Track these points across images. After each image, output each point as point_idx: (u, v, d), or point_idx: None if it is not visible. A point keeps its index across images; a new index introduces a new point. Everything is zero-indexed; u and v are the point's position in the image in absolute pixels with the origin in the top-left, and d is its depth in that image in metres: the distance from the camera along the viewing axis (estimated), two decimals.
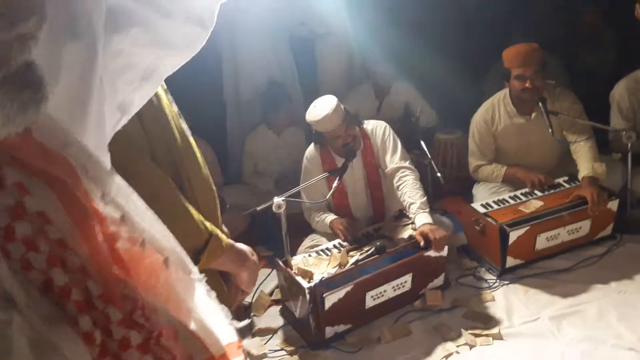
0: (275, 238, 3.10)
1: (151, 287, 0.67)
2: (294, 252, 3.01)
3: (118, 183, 0.68)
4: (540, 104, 3.22)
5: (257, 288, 3.01)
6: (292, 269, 2.75)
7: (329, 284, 2.63)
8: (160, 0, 0.76)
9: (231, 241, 1.49)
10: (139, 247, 0.67)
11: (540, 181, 3.26)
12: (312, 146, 3.18)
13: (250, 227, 3.63)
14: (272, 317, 2.94)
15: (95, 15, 0.68)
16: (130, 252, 0.66)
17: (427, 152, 3.58)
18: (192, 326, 0.73)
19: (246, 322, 2.83)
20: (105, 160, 0.74)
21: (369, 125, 3.13)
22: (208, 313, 0.77)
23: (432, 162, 3.51)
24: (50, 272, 0.57)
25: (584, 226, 3.09)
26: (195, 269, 0.78)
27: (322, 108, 2.93)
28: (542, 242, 3.04)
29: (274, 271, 3.00)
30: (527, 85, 3.19)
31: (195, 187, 1.44)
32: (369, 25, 4.24)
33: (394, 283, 2.78)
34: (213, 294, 0.80)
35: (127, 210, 0.67)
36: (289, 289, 2.78)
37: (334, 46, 4.53)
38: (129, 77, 0.78)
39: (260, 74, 4.20)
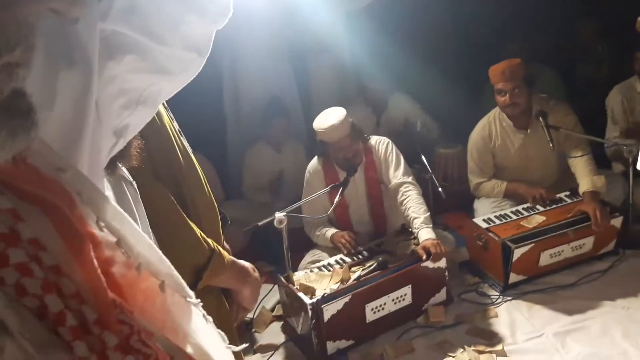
0: (277, 253, 3.08)
1: (147, 312, 0.67)
2: (295, 268, 2.99)
3: (114, 207, 0.67)
4: (540, 118, 3.22)
5: (259, 304, 2.99)
6: (293, 285, 2.74)
7: (330, 299, 2.61)
8: (155, 27, 0.75)
9: (233, 258, 1.48)
10: (135, 272, 0.66)
11: (542, 196, 3.26)
12: (315, 160, 3.18)
13: (251, 243, 3.61)
14: (273, 334, 2.92)
15: (90, 44, 0.69)
16: (125, 277, 0.65)
17: (428, 166, 3.57)
18: (189, 350, 0.72)
19: (244, 345, 2.80)
20: (100, 185, 0.74)
21: (372, 140, 3.15)
22: (205, 337, 0.76)
23: (433, 176, 3.50)
24: (45, 299, 0.56)
25: (588, 242, 3.08)
26: (192, 293, 0.78)
27: (330, 117, 2.95)
28: (546, 258, 3.02)
29: (276, 287, 2.98)
30: (506, 100, 3.22)
31: (198, 204, 1.44)
32: (365, 40, 4.27)
33: (394, 295, 2.76)
34: (210, 318, 0.80)
35: (123, 234, 0.67)
36: (291, 305, 2.76)
37: (327, 62, 4.56)
38: (124, 102, 0.78)
39: (259, 89, 4.23)
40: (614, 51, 4.28)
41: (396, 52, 4.10)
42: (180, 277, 0.75)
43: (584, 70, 4.40)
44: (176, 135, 1.40)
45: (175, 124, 1.41)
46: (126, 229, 0.67)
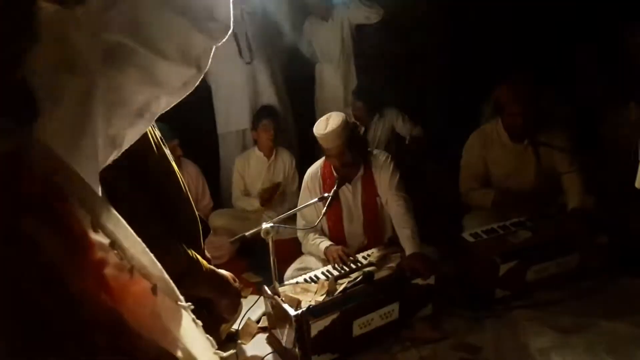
0: (265, 264, 3.07)
1: (137, 315, 0.67)
2: (282, 277, 2.98)
3: (109, 210, 0.69)
4: (530, 134, 3.27)
5: (244, 315, 2.97)
6: (279, 296, 2.73)
7: (316, 311, 2.60)
8: (157, 41, 0.77)
9: (212, 267, 1.48)
10: (127, 274, 0.67)
11: (527, 209, 3.27)
12: (315, 165, 3.19)
13: (239, 253, 3.61)
14: (259, 345, 2.90)
15: (92, 52, 0.71)
16: (118, 279, 0.66)
17: (418, 180, 3.59)
18: (178, 354, 0.72)
19: (232, 351, 2.79)
20: (97, 190, 0.75)
21: (373, 153, 3.16)
22: (194, 342, 0.76)
23: (423, 190, 3.53)
24: (37, 296, 0.57)
25: (573, 259, 3.09)
26: (182, 297, 0.78)
27: (327, 124, 2.96)
28: (532, 274, 3.03)
29: (262, 298, 2.97)
30: (515, 120, 3.29)
31: (178, 214, 1.44)
32: (363, 53, 4.32)
33: (382, 312, 2.75)
34: (200, 322, 0.80)
35: (117, 237, 0.68)
36: (276, 316, 2.75)
37: (331, 72, 4.64)
38: (123, 112, 0.80)
39: (251, 100, 4.26)
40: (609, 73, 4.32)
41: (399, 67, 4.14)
42: (171, 281, 0.76)
43: (580, 92, 4.45)
44: (157, 145, 1.40)
45: (157, 132, 1.41)
46: (120, 232, 0.68)
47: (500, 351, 2.67)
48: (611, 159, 3.59)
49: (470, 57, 4.69)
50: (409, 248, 2.86)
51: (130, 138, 0.85)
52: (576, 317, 2.83)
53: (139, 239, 0.72)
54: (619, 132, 3.62)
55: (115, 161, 0.92)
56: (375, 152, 3.17)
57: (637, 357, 2.48)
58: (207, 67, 0.88)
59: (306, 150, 4.44)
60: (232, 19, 0.86)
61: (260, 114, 4.04)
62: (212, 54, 0.88)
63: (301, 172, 3.44)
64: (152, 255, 0.73)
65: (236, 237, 3.05)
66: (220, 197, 4.15)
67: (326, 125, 2.95)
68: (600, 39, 4.12)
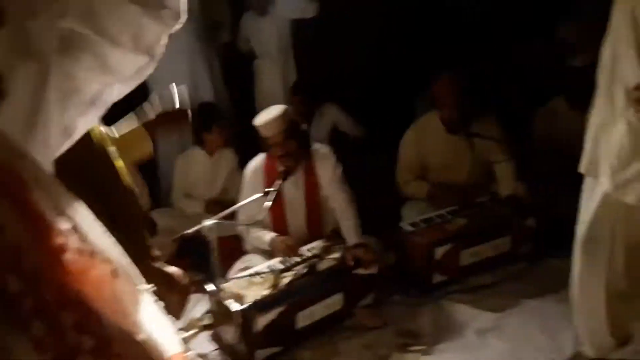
0: (207, 262, 3.06)
1: (99, 298, 0.68)
2: (226, 276, 2.98)
3: (67, 195, 0.69)
4: (465, 126, 3.39)
5: (188, 313, 2.95)
6: (223, 293, 2.73)
7: (261, 305, 2.62)
8: (110, 29, 0.78)
9: (159, 264, 1.46)
10: (88, 258, 0.67)
11: (458, 200, 3.40)
12: (257, 158, 3.19)
13: (180, 252, 3.56)
14: (202, 343, 2.89)
15: (47, 40, 0.71)
16: (78, 263, 0.66)
17: (358, 173, 3.64)
18: (140, 337, 0.73)
19: (194, 330, 2.75)
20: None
21: (314, 146, 3.19)
22: (154, 324, 0.77)
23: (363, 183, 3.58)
24: (5, 278, 0.58)
25: (506, 243, 3.24)
26: (143, 280, 0.79)
27: (268, 113, 2.98)
28: (466, 258, 3.15)
29: (205, 296, 2.95)
30: (448, 111, 3.41)
31: (121, 212, 1.42)
32: (304, 47, 4.35)
33: (325, 302, 2.80)
34: (161, 303, 0.82)
35: (77, 221, 0.68)
36: (220, 313, 2.74)
37: (271, 67, 4.64)
38: (76, 100, 0.80)
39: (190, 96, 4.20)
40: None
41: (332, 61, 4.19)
42: (132, 264, 0.77)
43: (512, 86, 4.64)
44: (100, 140, 1.37)
45: (103, 128, 1.39)
46: (79, 216, 0.69)
47: (440, 335, 2.78)
48: (541, 149, 3.78)
49: (407, 52, 4.81)
50: (352, 239, 2.92)
51: (82, 128, 0.86)
52: (509, 299, 2.98)
53: (98, 223, 0.73)
54: (550, 124, 3.80)
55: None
56: (316, 145, 3.21)
57: (567, 332, 2.63)
58: (160, 55, 0.89)
59: (247, 148, 4.43)
60: (184, 6, 0.87)
61: (211, 113, 3.98)
62: (164, 41, 0.89)
63: (243, 170, 3.42)
64: (112, 238, 0.74)
65: (177, 235, 3.02)
66: (158, 196, 4.08)
67: (266, 114, 2.98)
68: (535, 37, 4.31)
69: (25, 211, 0.62)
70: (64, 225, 0.66)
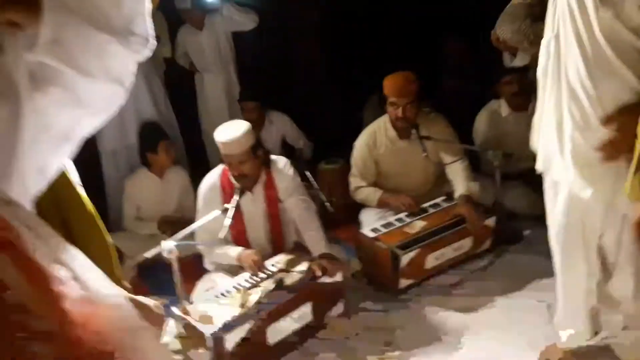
0: (167, 285, 2.94)
1: (103, 342, 0.64)
2: (189, 298, 2.87)
3: (60, 240, 0.64)
4: (413, 130, 3.43)
5: None
6: (190, 316, 2.62)
7: (231, 325, 2.54)
8: (80, 60, 0.76)
9: (131, 296, 1.39)
10: (89, 304, 0.64)
11: (410, 204, 3.44)
12: (211, 175, 3.09)
13: (138, 276, 3.41)
14: None
15: (17, 76, 0.68)
16: (80, 310, 0.63)
17: (313, 182, 3.63)
18: None
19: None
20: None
21: (271, 158, 3.13)
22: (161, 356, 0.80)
23: (320, 192, 3.58)
24: (19, 339, 0.55)
25: (467, 243, 3.30)
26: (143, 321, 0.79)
27: (233, 130, 2.89)
28: (431, 261, 3.19)
29: (171, 321, 2.83)
30: (398, 113, 3.40)
31: (89, 242, 1.35)
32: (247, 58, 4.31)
33: (295, 315, 2.76)
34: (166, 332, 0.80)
35: (73, 267, 0.65)
36: (189, 337, 2.63)
37: (213, 80, 4.57)
38: (48, 136, 0.77)
39: (132, 115, 4.06)
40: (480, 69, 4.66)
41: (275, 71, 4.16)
42: (135, 298, 0.82)
43: (450, 84, 4.76)
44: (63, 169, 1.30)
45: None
46: (76, 263, 0.66)
47: (414, 339, 2.78)
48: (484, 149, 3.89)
49: (349, 59, 4.86)
50: (316, 249, 2.88)
51: (56, 165, 0.84)
52: (476, 297, 3.03)
53: (93, 265, 0.71)
54: (491, 126, 3.93)
55: None
56: (273, 157, 3.16)
57: (535, 323, 2.70)
58: (130, 83, 0.87)
59: (197, 164, 4.33)
60: (152, 32, 0.87)
61: (155, 133, 3.85)
62: (134, 69, 0.88)
63: (195, 187, 3.32)
64: (108, 280, 0.73)
65: (137, 259, 2.90)
66: (107, 220, 3.90)
67: (231, 131, 2.89)
68: (469, 34, 4.45)
69: (26, 262, 0.60)
70: (62, 272, 0.65)
